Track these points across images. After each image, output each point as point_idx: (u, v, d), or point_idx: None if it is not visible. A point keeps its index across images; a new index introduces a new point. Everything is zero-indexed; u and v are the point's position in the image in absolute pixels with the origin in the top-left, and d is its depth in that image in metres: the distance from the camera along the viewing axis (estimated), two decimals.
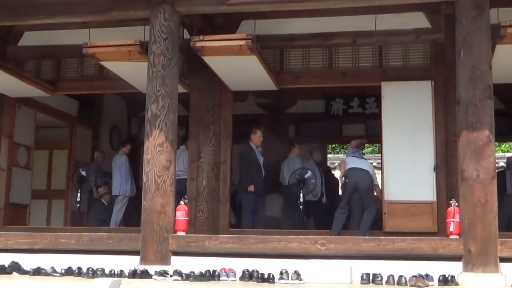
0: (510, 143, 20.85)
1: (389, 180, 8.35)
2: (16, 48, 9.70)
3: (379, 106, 9.51)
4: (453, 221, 6.66)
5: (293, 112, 13.12)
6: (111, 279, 6.08)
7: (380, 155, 10.37)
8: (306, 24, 8.68)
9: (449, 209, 6.81)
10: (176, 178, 7.55)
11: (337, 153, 20.13)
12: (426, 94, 8.32)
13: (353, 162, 8.73)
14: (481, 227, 6.35)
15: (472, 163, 6.46)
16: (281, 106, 12.91)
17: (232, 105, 9.03)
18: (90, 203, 11.13)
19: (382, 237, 7.02)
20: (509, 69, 7.58)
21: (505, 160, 11.77)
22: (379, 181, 9.20)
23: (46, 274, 6.87)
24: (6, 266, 7.06)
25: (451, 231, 6.68)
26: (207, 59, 7.78)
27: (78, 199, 10.19)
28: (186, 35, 8.25)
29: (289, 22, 8.70)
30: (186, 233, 7.23)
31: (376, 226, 8.53)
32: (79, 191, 10.16)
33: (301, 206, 9.04)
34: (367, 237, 7.29)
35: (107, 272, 6.77)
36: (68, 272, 6.92)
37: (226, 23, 8.69)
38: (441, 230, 7.66)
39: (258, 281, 6.37)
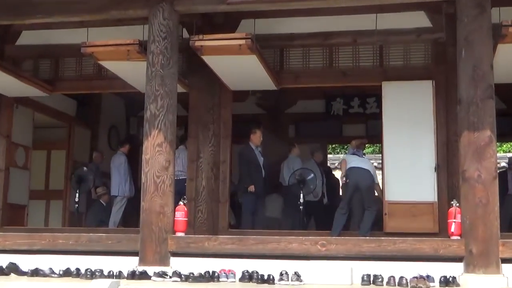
0: (511, 143, 20.82)
1: (389, 181, 8.31)
2: (14, 47, 9.66)
3: (379, 106, 9.49)
4: (454, 222, 6.63)
5: (293, 112, 13.07)
6: (109, 280, 6.07)
7: (380, 155, 10.35)
8: (306, 23, 8.64)
9: (450, 209, 6.78)
10: (175, 178, 7.53)
11: (338, 153, 20.08)
12: (427, 93, 8.28)
13: (354, 161, 8.69)
14: (483, 227, 6.33)
15: (474, 163, 6.43)
16: (281, 106, 12.86)
17: (231, 105, 9.00)
18: (88, 204, 11.08)
19: (382, 237, 6.98)
20: (510, 69, 7.54)
21: (506, 160, 11.74)
22: (379, 181, 9.17)
23: (44, 275, 6.85)
24: (4, 267, 7.03)
25: (452, 232, 6.65)
26: (207, 59, 7.75)
27: (77, 199, 10.11)
28: (185, 34, 8.22)
29: (289, 21, 8.66)
30: (185, 234, 7.20)
31: (377, 227, 8.50)
32: (77, 191, 10.09)
33: (301, 207, 9.01)
34: (367, 237, 7.27)
35: (105, 273, 6.75)
36: (67, 273, 6.91)
37: (226, 22, 8.66)
38: (442, 231, 7.65)
39: (258, 282, 6.34)
